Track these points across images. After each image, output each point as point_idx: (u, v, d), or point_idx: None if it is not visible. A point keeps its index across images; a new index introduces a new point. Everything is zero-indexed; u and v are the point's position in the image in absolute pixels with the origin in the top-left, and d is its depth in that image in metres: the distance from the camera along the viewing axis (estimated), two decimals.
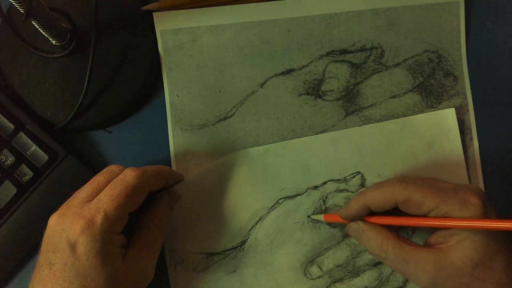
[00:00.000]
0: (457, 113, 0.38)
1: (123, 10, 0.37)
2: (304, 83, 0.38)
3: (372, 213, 0.33)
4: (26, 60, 0.37)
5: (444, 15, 0.39)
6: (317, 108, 0.38)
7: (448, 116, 0.38)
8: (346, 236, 0.37)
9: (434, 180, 0.33)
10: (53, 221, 0.28)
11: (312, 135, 0.38)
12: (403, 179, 0.31)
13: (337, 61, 0.38)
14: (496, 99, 0.40)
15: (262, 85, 0.38)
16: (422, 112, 0.39)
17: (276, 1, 0.38)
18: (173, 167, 0.37)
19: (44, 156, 0.35)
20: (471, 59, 0.40)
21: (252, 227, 0.37)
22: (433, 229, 0.32)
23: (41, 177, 0.35)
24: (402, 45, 0.39)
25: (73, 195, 0.30)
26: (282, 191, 0.37)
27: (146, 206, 0.32)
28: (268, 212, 0.37)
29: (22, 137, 0.35)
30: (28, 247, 0.35)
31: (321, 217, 0.36)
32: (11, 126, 0.35)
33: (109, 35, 0.37)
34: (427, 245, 0.31)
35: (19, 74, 0.37)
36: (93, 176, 0.31)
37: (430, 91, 0.39)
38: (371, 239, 0.32)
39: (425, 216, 0.30)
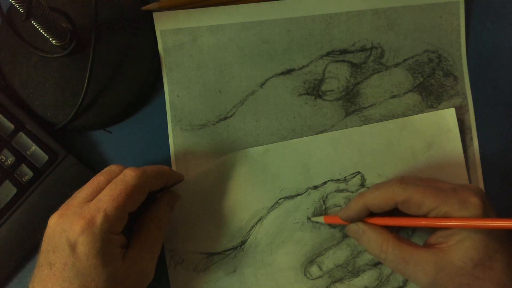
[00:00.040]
0: (457, 113, 0.38)
1: (123, 10, 0.37)
2: (304, 83, 0.38)
3: (372, 214, 0.33)
4: (26, 60, 0.37)
5: (444, 15, 0.39)
6: (317, 108, 0.38)
7: (448, 116, 0.38)
8: (346, 236, 0.37)
9: (433, 180, 0.33)
10: (53, 221, 0.28)
11: (312, 135, 0.38)
12: (403, 180, 0.31)
13: (337, 61, 0.38)
14: (496, 99, 0.40)
15: (262, 85, 0.38)
16: (422, 112, 0.39)
17: (276, 1, 0.38)
18: (173, 167, 0.37)
19: (44, 156, 0.35)
20: (471, 59, 0.40)
21: (252, 227, 0.37)
22: (433, 229, 0.32)
23: (41, 177, 0.35)
24: (402, 45, 0.39)
25: (73, 195, 0.30)
26: (282, 191, 0.37)
27: (146, 206, 0.32)
28: (268, 212, 0.37)
29: (22, 137, 0.35)
30: (28, 247, 0.35)
31: (321, 219, 0.36)
32: (11, 126, 0.35)
33: (109, 35, 0.37)
34: (427, 245, 0.31)
35: (19, 74, 0.37)
36: (93, 176, 0.31)
37: (430, 91, 0.39)
38: (371, 240, 0.32)
39: (425, 216, 0.30)
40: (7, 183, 0.35)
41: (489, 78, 0.40)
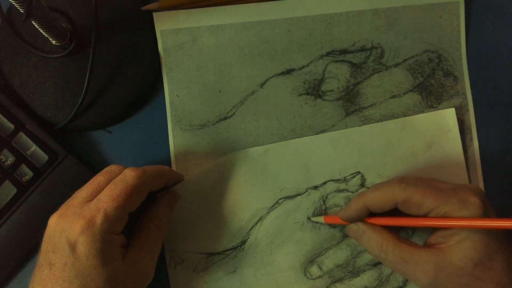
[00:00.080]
0: (457, 113, 0.38)
1: (123, 10, 0.37)
2: (304, 83, 0.38)
3: (372, 214, 0.33)
4: (26, 60, 0.37)
5: (444, 15, 0.39)
6: (317, 108, 0.38)
7: (448, 116, 0.38)
8: (346, 236, 0.37)
9: (433, 181, 0.33)
10: (53, 221, 0.28)
11: (312, 135, 0.38)
12: (403, 180, 0.31)
13: (337, 61, 0.38)
14: (496, 99, 0.40)
15: (262, 85, 0.38)
16: (422, 112, 0.39)
17: (276, 1, 0.38)
18: (173, 167, 0.37)
19: (44, 156, 0.35)
20: (471, 59, 0.40)
21: (252, 227, 0.37)
22: (433, 229, 0.32)
23: (41, 177, 0.35)
24: (402, 45, 0.39)
25: (73, 195, 0.30)
26: (282, 191, 0.37)
27: (146, 206, 0.32)
28: (268, 212, 0.37)
29: (22, 137, 0.35)
30: (28, 247, 0.35)
31: (321, 219, 0.36)
32: (11, 126, 0.35)
33: (109, 35, 0.37)
34: (427, 245, 0.31)
35: (19, 74, 0.37)
36: (93, 176, 0.31)
37: (430, 91, 0.39)
38: (371, 240, 0.32)
39: (425, 216, 0.30)
40: (7, 183, 0.35)
41: (489, 78, 0.40)
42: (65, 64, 0.36)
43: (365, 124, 0.38)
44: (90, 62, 0.35)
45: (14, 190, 0.35)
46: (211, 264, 0.36)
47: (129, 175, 0.29)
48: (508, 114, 0.40)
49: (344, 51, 0.38)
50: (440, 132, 0.38)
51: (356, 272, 0.37)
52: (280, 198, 0.37)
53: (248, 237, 0.37)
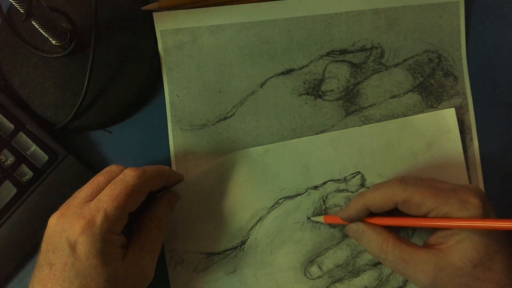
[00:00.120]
0: (457, 113, 0.38)
1: (123, 10, 0.37)
2: (304, 83, 0.38)
3: (372, 214, 0.33)
4: (26, 60, 0.37)
5: (444, 15, 0.39)
6: (317, 108, 0.38)
7: (448, 116, 0.38)
8: (346, 236, 0.37)
9: (433, 181, 0.33)
10: (53, 221, 0.28)
11: (312, 135, 0.38)
12: (403, 180, 0.31)
13: (337, 61, 0.38)
14: (496, 99, 0.40)
15: (262, 85, 0.38)
16: (422, 112, 0.39)
17: (276, 1, 0.38)
18: (173, 167, 0.37)
19: (44, 156, 0.35)
20: (471, 59, 0.40)
21: (252, 227, 0.37)
22: (433, 230, 0.32)
23: (41, 177, 0.35)
24: (402, 45, 0.39)
25: (73, 195, 0.30)
26: (282, 191, 0.37)
27: (146, 206, 0.32)
28: (268, 212, 0.37)
29: (22, 137, 0.35)
30: (28, 247, 0.35)
31: (321, 218, 0.36)
32: (11, 126, 0.35)
33: (109, 35, 0.37)
34: (427, 246, 0.31)
35: (19, 74, 0.37)
36: (93, 176, 0.31)
37: (430, 91, 0.39)
38: (371, 240, 0.32)
39: (425, 216, 0.30)
40: (7, 183, 0.35)
41: (489, 78, 0.40)
42: (65, 64, 0.36)
43: (365, 124, 0.38)
44: (90, 62, 0.35)
45: (14, 190, 0.35)
46: (211, 264, 0.36)
47: (129, 175, 0.29)
48: (508, 114, 0.40)
49: (344, 51, 0.38)
50: (440, 132, 0.38)
51: (356, 272, 0.37)
52: (280, 198, 0.37)
53: (248, 237, 0.37)
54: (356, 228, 0.33)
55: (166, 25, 0.37)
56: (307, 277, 0.37)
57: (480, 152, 0.39)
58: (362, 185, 0.37)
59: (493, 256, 0.28)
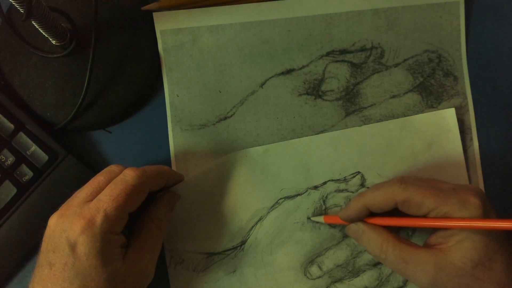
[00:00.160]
0: (457, 113, 0.38)
1: (123, 10, 0.37)
2: (304, 83, 0.38)
3: (372, 214, 0.33)
4: (26, 60, 0.37)
5: (444, 15, 0.39)
6: (317, 108, 0.38)
7: (448, 116, 0.38)
8: (346, 236, 0.37)
9: (433, 181, 0.33)
10: (53, 221, 0.28)
11: (312, 135, 0.38)
12: (403, 180, 0.31)
13: (337, 61, 0.38)
14: (496, 99, 0.40)
15: (262, 85, 0.38)
16: (422, 112, 0.39)
17: (276, 1, 0.38)
18: (173, 167, 0.37)
19: (44, 156, 0.35)
20: (471, 59, 0.40)
21: (252, 227, 0.37)
22: (433, 230, 0.32)
23: (41, 177, 0.35)
24: (402, 45, 0.39)
25: (73, 195, 0.30)
26: (282, 191, 0.37)
27: (146, 206, 0.32)
28: (268, 212, 0.37)
29: (22, 137, 0.35)
30: (28, 247, 0.35)
31: (321, 218, 0.36)
32: (11, 126, 0.35)
33: (109, 35, 0.37)
34: (427, 246, 0.31)
35: (19, 74, 0.37)
36: (93, 176, 0.31)
37: (430, 91, 0.39)
38: (371, 240, 0.32)
39: (425, 216, 0.30)
40: (7, 183, 0.35)
41: (489, 78, 0.40)
42: (65, 64, 0.36)
43: (365, 124, 0.38)
44: (90, 62, 0.35)
45: (14, 190, 0.35)
46: (211, 264, 0.36)
47: (129, 175, 0.29)
48: (508, 114, 0.40)
49: (344, 51, 0.38)
50: (440, 132, 0.38)
51: (356, 272, 0.37)
52: (280, 198, 0.37)
53: (248, 237, 0.37)
54: (356, 228, 0.33)
55: (166, 25, 0.37)
56: (307, 277, 0.37)
57: (480, 152, 0.39)
58: (362, 185, 0.37)
59: (493, 256, 0.28)
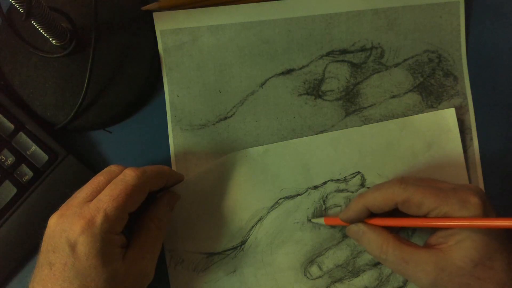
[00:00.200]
0: (457, 113, 0.38)
1: (123, 10, 0.37)
2: (304, 83, 0.38)
3: (372, 215, 0.33)
4: (26, 60, 0.37)
5: (444, 15, 0.39)
6: (317, 108, 0.38)
7: (448, 116, 0.38)
8: (346, 236, 0.37)
9: (433, 181, 0.33)
10: (53, 221, 0.28)
11: (312, 135, 0.38)
12: (403, 180, 0.31)
13: (337, 61, 0.38)
14: (496, 99, 0.40)
15: (262, 85, 0.38)
16: (422, 112, 0.39)
17: (276, 1, 0.38)
18: (173, 167, 0.37)
19: (44, 156, 0.35)
20: (471, 59, 0.40)
21: (252, 227, 0.37)
22: (433, 230, 0.32)
23: (41, 177, 0.35)
24: (402, 45, 0.39)
25: (73, 195, 0.30)
26: (282, 191, 0.37)
27: (146, 206, 0.32)
28: (268, 212, 0.37)
29: (22, 137, 0.35)
30: (28, 247, 0.35)
31: (321, 220, 0.36)
32: (11, 126, 0.35)
33: (109, 35, 0.37)
34: (427, 246, 0.31)
35: (19, 74, 0.37)
36: (93, 176, 0.31)
37: (430, 91, 0.39)
38: (371, 240, 0.32)
39: (425, 216, 0.30)
40: (7, 183, 0.35)
41: (489, 78, 0.40)
42: (65, 64, 0.36)
43: (365, 124, 0.38)
44: (90, 62, 0.35)
45: (14, 190, 0.35)
46: (211, 264, 0.36)
47: (129, 175, 0.29)
48: (508, 114, 0.40)
49: (344, 51, 0.38)
50: (440, 132, 0.38)
51: (356, 272, 0.37)
52: (280, 198, 0.37)
53: (248, 237, 0.37)
54: (356, 229, 0.33)
55: (166, 25, 0.37)
56: (307, 277, 0.37)
57: (480, 152, 0.39)
58: (362, 185, 0.37)
59: (494, 255, 0.28)
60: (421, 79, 0.39)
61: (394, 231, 0.33)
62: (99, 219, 0.27)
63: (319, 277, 0.37)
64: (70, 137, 0.38)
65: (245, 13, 0.38)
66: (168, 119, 0.38)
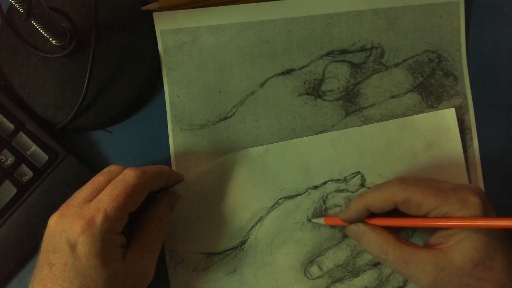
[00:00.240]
0: (457, 113, 0.38)
1: (123, 10, 0.37)
2: (304, 83, 0.38)
3: (372, 215, 0.33)
4: (26, 60, 0.37)
5: (444, 15, 0.39)
6: (317, 108, 0.38)
7: (448, 116, 0.38)
8: (346, 236, 0.37)
9: (433, 181, 0.33)
10: (53, 221, 0.28)
11: (312, 135, 0.38)
12: (403, 180, 0.31)
13: (337, 61, 0.38)
14: (496, 99, 0.40)
15: (262, 85, 0.38)
16: (422, 112, 0.39)
17: (276, 1, 0.38)
18: (173, 167, 0.37)
19: (44, 156, 0.35)
20: (471, 59, 0.40)
21: (252, 227, 0.37)
22: (433, 230, 0.32)
23: (41, 177, 0.35)
24: (402, 45, 0.39)
25: (73, 195, 0.30)
26: (282, 191, 0.37)
27: (146, 206, 0.32)
28: (268, 212, 0.37)
29: (22, 137, 0.35)
30: (28, 247, 0.35)
31: (321, 220, 0.36)
32: (11, 126, 0.35)
33: (109, 35, 0.37)
34: (427, 246, 0.31)
35: (19, 74, 0.37)
36: (93, 176, 0.31)
37: (430, 91, 0.39)
38: (371, 240, 0.32)
39: (425, 216, 0.30)
40: (7, 183, 0.35)
41: (489, 78, 0.40)
42: (65, 64, 0.36)
43: (365, 124, 0.38)
44: (90, 62, 0.35)
45: (14, 190, 0.35)
46: (211, 264, 0.36)
47: (129, 175, 0.29)
48: (508, 114, 0.40)
49: (344, 51, 0.38)
50: (440, 132, 0.38)
51: (356, 272, 0.37)
52: (280, 198, 0.37)
53: (248, 237, 0.37)
54: (356, 229, 0.33)
55: (166, 25, 0.37)
56: (307, 277, 0.37)
57: (480, 152, 0.39)
58: (362, 185, 0.37)
59: (494, 256, 0.28)
60: (421, 79, 0.39)
61: (394, 231, 0.33)
62: (99, 219, 0.27)
63: (319, 277, 0.37)
64: (70, 137, 0.38)
65: (245, 13, 0.38)
66: (168, 119, 0.38)
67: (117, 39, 0.37)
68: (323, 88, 0.38)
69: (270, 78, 0.38)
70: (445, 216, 0.29)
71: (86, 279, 0.27)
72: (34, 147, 0.35)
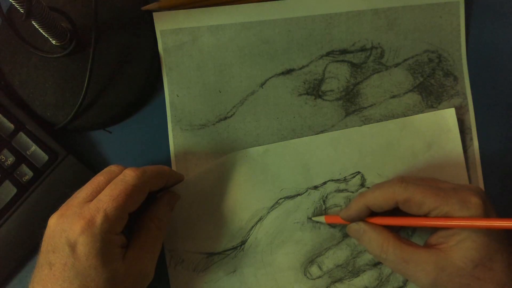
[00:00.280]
0: (457, 113, 0.38)
1: (123, 10, 0.37)
2: (304, 83, 0.38)
3: (372, 213, 0.33)
4: (26, 60, 0.37)
5: (444, 15, 0.39)
6: (317, 108, 0.38)
7: (448, 116, 0.38)
8: (346, 236, 0.37)
9: (434, 180, 0.33)
10: (53, 221, 0.28)
11: (312, 135, 0.38)
12: (403, 179, 0.31)
13: (337, 61, 0.38)
14: (496, 99, 0.40)
15: (262, 85, 0.38)
16: (422, 112, 0.39)
17: (276, 1, 0.38)
18: (173, 167, 0.37)
19: (44, 156, 0.35)
20: (471, 59, 0.40)
21: (252, 227, 0.37)
22: (434, 229, 0.32)
23: (41, 177, 0.35)
24: (402, 45, 0.39)
25: (73, 195, 0.30)
26: (282, 191, 0.37)
27: (146, 206, 0.32)
28: (268, 212, 0.37)
29: (22, 137, 0.35)
30: (28, 247, 0.35)
31: (322, 218, 0.36)
32: (11, 126, 0.35)
33: (109, 35, 0.37)
34: (427, 246, 0.31)
35: (19, 74, 0.37)
36: (93, 176, 0.31)
37: (430, 91, 0.39)
38: (372, 239, 0.32)
39: (425, 216, 0.30)
40: (7, 183, 0.35)
41: (489, 78, 0.40)
42: (65, 64, 0.36)
43: (365, 124, 0.38)
44: (90, 62, 0.35)
45: (14, 190, 0.35)
46: (211, 264, 0.36)
47: (129, 175, 0.29)
48: (508, 114, 0.40)
49: (344, 51, 0.38)
50: (440, 132, 0.38)
51: (356, 272, 0.37)
52: (280, 198, 0.37)
53: (248, 237, 0.37)
54: (357, 227, 0.33)
55: (166, 25, 0.37)
56: (307, 277, 0.37)
57: (480, 152, 0.39)
58: (362, 185, 0.37)
59: (494, 256, 0.28)
60: (421, 79, 0.39)
61: (395, 231, 0.33)
62: (99, 219, 0.27)
63: (319, 277, 0.37)
64: (70, 137, 0.38)
65: (245, 13, 0.38)
66: (168, 119, 0.38)
67: (117, 39, 0.37)
68: (323, 88, 0.38)
69: (270, 78, 0.38)
70: (446, 216, 0.29)
71: (86, 279, 0.27)
72: (34, 147, 0.35)
